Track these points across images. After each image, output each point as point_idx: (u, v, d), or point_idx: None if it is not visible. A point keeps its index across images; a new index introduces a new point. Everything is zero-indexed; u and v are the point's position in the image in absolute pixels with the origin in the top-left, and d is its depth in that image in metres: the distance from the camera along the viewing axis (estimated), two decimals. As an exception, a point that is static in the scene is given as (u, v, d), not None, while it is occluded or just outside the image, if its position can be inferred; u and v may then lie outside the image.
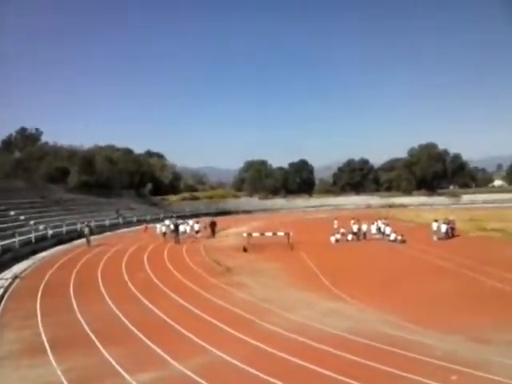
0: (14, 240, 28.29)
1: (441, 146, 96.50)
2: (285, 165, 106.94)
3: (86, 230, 34.62)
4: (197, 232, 39.07)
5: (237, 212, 74.45)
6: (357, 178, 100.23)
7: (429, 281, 19.73)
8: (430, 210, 63.95)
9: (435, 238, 33.23)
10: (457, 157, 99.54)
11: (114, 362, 10.32)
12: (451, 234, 34.43)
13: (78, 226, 40.22)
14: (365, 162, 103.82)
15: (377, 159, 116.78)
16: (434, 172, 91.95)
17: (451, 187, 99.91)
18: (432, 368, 9.83)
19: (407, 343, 11.49)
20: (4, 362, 10.52)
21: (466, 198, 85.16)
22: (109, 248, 31.89)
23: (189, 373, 9.67)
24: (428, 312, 14.94)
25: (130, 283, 19.80)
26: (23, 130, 75.99)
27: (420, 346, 11.30)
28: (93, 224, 40.88)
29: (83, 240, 36.92)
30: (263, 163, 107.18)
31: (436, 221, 34.66)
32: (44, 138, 75.49)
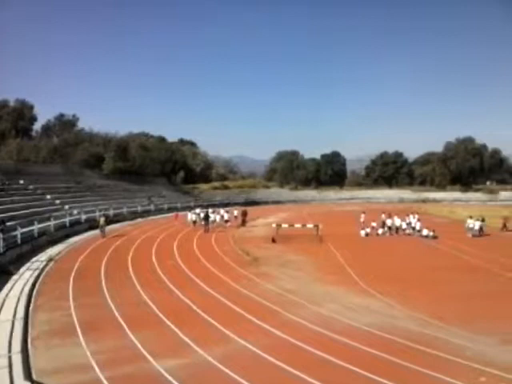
0: (49, 223, 29.16)
1: (479, 141, 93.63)
2: (317, 156, 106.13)
3: (102, 220, 31.49)
4: (226, 221, 39.32)
5: (266, 202, 74.40)
6: (390, 171, 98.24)
7: (461, 279, 19.26)
8: (464, 206, 62.25)
9: (469, 234, 32.39)
10: (495, 152, 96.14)
11: (140, 347, 10.53)
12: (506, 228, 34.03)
13: (111, 212, 41.08)
14: (399, 155, 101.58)
15: (411, 153, 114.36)
16: (471, 167, 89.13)
17: (488, 183, 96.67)
18: (460, 368, 9.62)
19: (435, 341, 11.27)
20: (36, 341, 10.88)
21: (503, 194, 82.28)
22: (140, 234, 32.45)
23: (213, 361, 9.77)
24: (459, 311, 14.59)
25: (159, 270, 20.12)
26: (61, 116, 78.01)
27: (448, 345, 11.07)
28: (112, 212, 41.08)
29: (115, 225, 37.77)
30: (295, 154, 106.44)
31: (471, 217, 33.74)
32: (80, 125, 77.40)
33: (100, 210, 38.89)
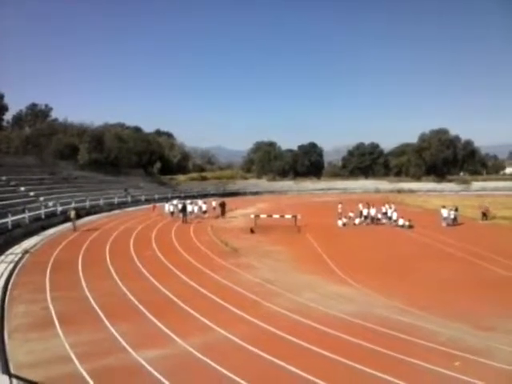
0: (24, 216, 28.60)
1: (452, 132, 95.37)
2: (294, 147, 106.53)
3: (72, 214, 30.23)
4: (204, 212, 39.27)
5: (244, 193, 74.52)
6: (366, 162, 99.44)
7: (435, 267, 19.72)
8: (438, 197, 63.59)
9: (444, 224, 33.10)
10: (468, 143, 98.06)
11: (119, 338, 10.49)
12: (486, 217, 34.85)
13: (87, 204, 40.55)
14: (375, 146, 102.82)
15: (387, 144, 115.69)
16: (444, 158, 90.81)
17: (461, 174, 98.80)
18: (435, 353, 9.89)
19: (410, 328, 11.54)
20: (13, 334, 10.72)
21: (476, 185, 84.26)
22: (117, 226, 32.13)
23: (193, 350, 9.81)
24: (433, 298, 14.98)
25: (137, 261, 20.00)
26: (33, 105, 76.20)
27: (423, 331, 11.35)
28: (88, 204, 40.77)
29: (92, 217, 37.32)
30: (272, 145, 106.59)
31: (444, 207, 34.47)
32: (53, 115, 75.75)
33: (76, 202, 38.30)
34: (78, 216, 32.44)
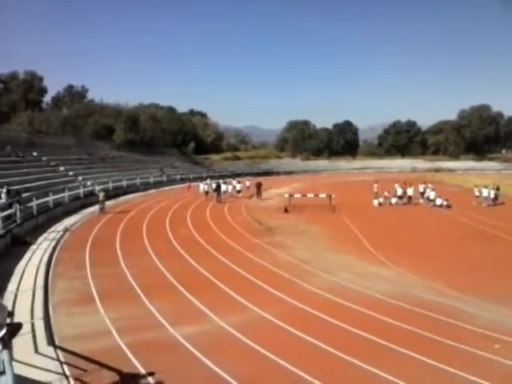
0: (63, 195, 29.45)
1: (494, 109, 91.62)
2: (329, 126, 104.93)
3: (101, 196, 28.93)
4: (238, 192, 39.45)
5: (278, 173, 74.21)
6: (403, 140, 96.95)
7: (474, 248, 19.23)
8: (478, 175, 61.52)
9: (485, 204, 32.12)
10: (511, 119, 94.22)
11: (157, 314, 10.72)
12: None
13: (124, 183, 41.38)
14: (412, 124, 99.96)
15: (425, 121, 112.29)
16: (486, 135, 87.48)
17: (504, 151, 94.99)
18: (474, 336, 9.68)
19: (447, 309, 11.33)
20: (57, 308, 11.14)
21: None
22: (153, 205, 32.69)
23: (229, 328, 9.93)
24: (472, 280, 14.63)
25: (173, 239, 20.33)
26: (70, 87, 77.70)
27: (462, 313, 11.12)
28: (124, 183, 41.49)
29: (129, 196, 38.09)
30: (306, 123, 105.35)
31: (486, 187, 33.39)
32: (89, 96, 77.16)
33: (113, 182, 39.15)
34: (108, 198, 31.76)
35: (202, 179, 46.41)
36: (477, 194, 33.29)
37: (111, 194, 36.24)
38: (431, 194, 33.51)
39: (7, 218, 19.55)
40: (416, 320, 10.48)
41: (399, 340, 9.24)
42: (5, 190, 22.51)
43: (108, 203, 31.36)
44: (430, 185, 36.35)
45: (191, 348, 8.90)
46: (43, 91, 74.36)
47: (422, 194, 34.96)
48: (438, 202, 32.00)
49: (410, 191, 34.35)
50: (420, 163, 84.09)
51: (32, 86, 70.89)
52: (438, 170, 75.66)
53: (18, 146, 36.52)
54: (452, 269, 16.02)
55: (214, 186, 37.92)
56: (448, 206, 31.12)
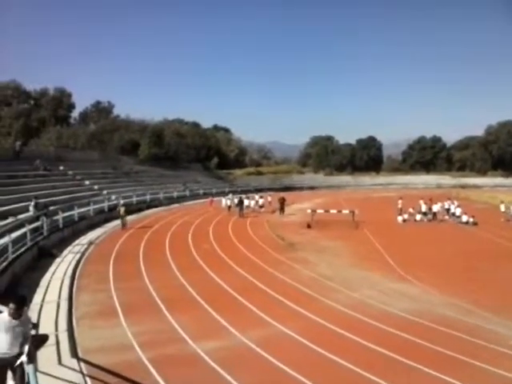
0: (88, 208, 29.95)
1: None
2: (352, 141, 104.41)
3: (122, 210, 28.54)
4: (261, 207, 39.47)
5: (301, 188, 74.07)
6: (428, 156, 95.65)
7: (502, 267, 18.72)
8: (507, 192, 60.11)
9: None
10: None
11: (179, 329, 10.73)
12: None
13: (148, 197, 41.86)
14: (437, 139, 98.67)
15: (450, 137, 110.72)
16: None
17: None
18: (502, 357, 9.37)
19: (475, 329, 11.02)
20: (81, 321, 11.25)
21: (549, 180, 78.88)
22: (176, 219, 32.94)
23: (249, 343, 9.87)
24: (499, 299, 14.23)
25: (195, 253, 20.40)
26: (98, 103, 79.61)
27: (489, 333, 10.81)
28: (148, 198, 41.97)
29: (152, 210, 38.48)
30: (330, 139, 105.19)
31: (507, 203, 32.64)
32: (115, 111, 78.89)
33: (136, 196, 39.68)
34: (129, 212, 31.68)
35: (224, 194, 46.63)
36: (503, 209, 32.49)
37: (134, 209, 36.74)
38: (457, 211, 32.89)
39: (34, 230, 19.98)
40: (440, 339, 10.20)
41: (423, 359, 9.00)
42: (33, 203, 22.98)
43: (131, 217, 31.74)
44: (455, 201, 35.69)
45: (212, 363, 8.86)
46: (71, 107, 76.27)
47: (448, 210, 34.34)
48: (464, 218, 31.37)
49: (435, 207, 33.79)
50: (445, 179, 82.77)
51: (61, 102, 72.77)
52: (464, 187, 74.21)
53: (46, 160, 37.41)
54: (478, 287, 15.60)
55: (236, 200, 38.05)
56: (474, 223, 30.47)
